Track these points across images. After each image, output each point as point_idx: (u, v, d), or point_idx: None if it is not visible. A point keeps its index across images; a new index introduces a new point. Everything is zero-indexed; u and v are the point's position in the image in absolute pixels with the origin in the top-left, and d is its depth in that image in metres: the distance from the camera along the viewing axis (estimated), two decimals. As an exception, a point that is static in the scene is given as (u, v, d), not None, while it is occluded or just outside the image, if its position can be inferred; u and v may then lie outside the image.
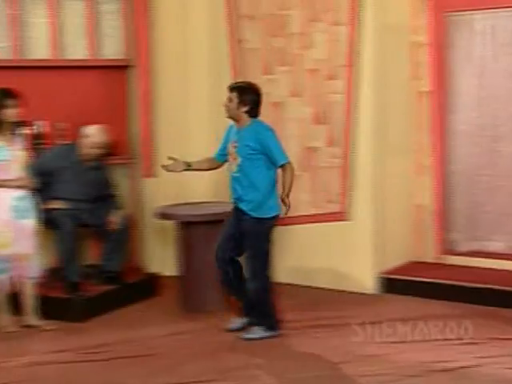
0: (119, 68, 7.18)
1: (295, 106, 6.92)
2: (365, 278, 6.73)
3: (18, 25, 6.78)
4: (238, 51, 7.11)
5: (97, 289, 6.51)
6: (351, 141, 6.69)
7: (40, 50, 6.91)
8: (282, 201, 5.58)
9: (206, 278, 6.32)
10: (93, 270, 6.68)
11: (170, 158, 5.84)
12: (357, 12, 6.55)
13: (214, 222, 6.29)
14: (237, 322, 5.87)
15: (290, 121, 6.95)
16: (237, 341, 5.66)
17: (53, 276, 6.47)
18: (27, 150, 6.06)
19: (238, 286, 5.78)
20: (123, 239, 6.59)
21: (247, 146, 5.57)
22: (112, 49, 7.13)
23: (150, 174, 7.00)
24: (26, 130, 6.37)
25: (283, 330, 5.75)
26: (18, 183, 5.87)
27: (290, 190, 5.60)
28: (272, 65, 7.00)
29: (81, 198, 6.43)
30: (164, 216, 6.51)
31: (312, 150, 6.92)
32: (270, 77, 6.95)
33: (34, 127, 6.79)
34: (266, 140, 5.57)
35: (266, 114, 6.96)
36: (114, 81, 7.22)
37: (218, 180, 7.18)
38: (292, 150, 6.85)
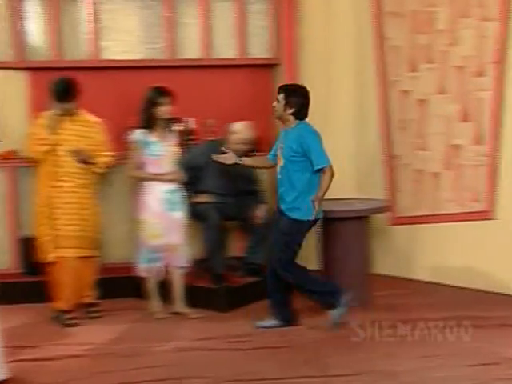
0: (266, 66, 7.20)
1: (440, 104, 6.70)
2: (509, 278, 6.42)
3: (172, 26, 6.91)
4: (382, 48, 6.96)
5: (240, 280, 6.54)
6: (498, 139, 6.40)
7: (191, 50, 7.00)
8: (312, 202, 5.48)
9: (347, 273, 6.23)
10: (237, 262, 6.70)
11: (222, 152, 5.87)
12: (507, 7, 6.25)
13: (357, 218, 6.23)
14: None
15: (434, 118, 6.74)
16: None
17: (199, 266, 6.54)
18: (178, 145, 6.15)
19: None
20: (267, 233, 6.57)
21: (290, 148, 5.52)
22: (259, 48, 7.16)
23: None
24: (178, 127, 6.47)
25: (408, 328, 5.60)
26: (169, 177, 5.97)
27: (323, 194, 5.53)
28: (417, 62, 6.82)
29: (227, 193, 6.48)
30: (305, 211, 6.46)
31: (456, 147, 6.67)
32: (414, 74, 6.79)
33: (185, 124, 6.88)
34: (307, 143, 5.49)
35: (409, 111, 6.85)
36: (261, 79, 7.26)
37: (363, 177, 7.09)
38: (436, 147, 6.69)
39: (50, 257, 5.96)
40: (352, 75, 7.20)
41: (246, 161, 5.93)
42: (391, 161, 7.04)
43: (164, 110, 5.92)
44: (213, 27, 7.03)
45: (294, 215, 5.58)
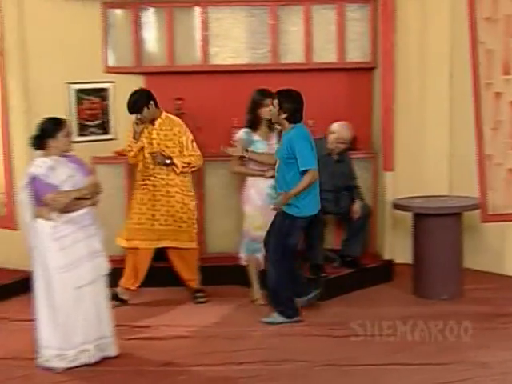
0: (364, 70, 7.23)
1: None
2: None
3: (275, 33, 7.02)
4: (476, 52, 6.87)
5: (337, 271, 6.60)
6: None
7: (294, 54, 7.09)
8: (280, 194, 5.61)
9: (438, 267, 6.24)
10: (334, 253, 6.76)
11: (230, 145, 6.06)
12: None
13: (447, 214, 6.22)
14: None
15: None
16: (468, 328, 5.48)
17: (300, 257, 6.62)
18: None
19: None
20: (363, 227, 6.63)
21: (283, 150, 5.60)
22: (357, 52, 7.17)
23: (389, 167, 6.96)
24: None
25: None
26: (271, 173, 6.07)
27: (295, 193, 5.55)
28: (510, 65, 6.69)
29: (327, 188, 6.50)
30: (400, 207, 6.48)
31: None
32: (507, 77, 6.67)
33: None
34: (294, 146, 5.52)
35: (502, 113, 6.74)
36: (359, 82, 7.31)
37: (456, 176, 7.03)
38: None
39: (128, 244, 6.23)
40: (446, 78, 7.13)
41: (252, 155, 6.02)
42: (484, 160, 6.94)
43: (267, 111, 6.04)
44: (314, 33, 7.09)
45: (288, 211, 5.63)
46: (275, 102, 5.66)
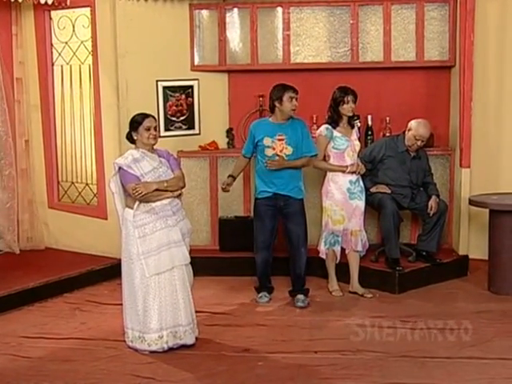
0: (442, 68, 7.09)
1: None
2: None
3: (355, 32, 6.95)
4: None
5: (412, 265, 6.50)
6: None
7: (373, 53, 7.01)
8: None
9: (513, 263, 6.06)
10: (410, 248, 6.67)
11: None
12: None
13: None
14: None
15: None
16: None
17: (376, 251, 6.58)
18: (360, 140, 6.21)
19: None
20: (439, 223, 6.50)
21: None
22: (436, 51, 7.03)
23: (466, 164, 6.81)
24: (360, 123, 6.51)
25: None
26: (352, 169, 6.02)
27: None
28: None
29: (403, 184, 6.46)
30: (476, 204, 6.34)
31: None
32: None
33: (367, 120, 6.96)
34: None
35: None
36: (438, 80, 7.16)
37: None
38: None
39: None
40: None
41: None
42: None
43: (348, 108, 5.99)
44: (393, 32, 6.98)
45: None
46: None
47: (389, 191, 6.40)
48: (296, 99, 5.82)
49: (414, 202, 6.51)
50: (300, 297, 5.97)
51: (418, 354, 4.89)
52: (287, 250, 6.13)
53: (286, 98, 5.78)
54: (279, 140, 5.83)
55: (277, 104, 5.83)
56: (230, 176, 6.11)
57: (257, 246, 6.08)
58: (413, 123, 6.44)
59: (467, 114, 6.80)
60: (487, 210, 6.30)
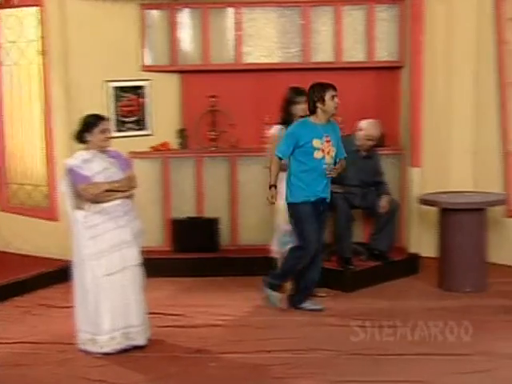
0: (393, 69, 7.17)
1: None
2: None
3: (306, 33, 6.99)
4: (502, 52, 6.78)
5: (365, 264, 6.57)
6: None
7: (324, 53, 7.06)
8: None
9: (463, 261, 6.18)
10: (362, 247, 6.73)
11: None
12: None
13: (475, 210, 6.16)
14: None
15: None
16: (492, 320, 5.45)
17: (327, 250, 6.61)
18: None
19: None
20: (390, 222, 6.57)
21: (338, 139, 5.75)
22: (386, 52, 7.11)
23: (416, 163, 6.91)
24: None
25: None
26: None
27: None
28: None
29: (355, 184, 6.51)
30: (427, 202, 6.42)
31: None
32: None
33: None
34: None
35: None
36: (388, 80, 7.25)
37: (480, 172, 6.95)
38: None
39: None
40: (471, 77, 7.03)
41: None
42: (508, 156, 6.86)
43: (300, 108, 5.99)
44: (343, 33, 7.05)
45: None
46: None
47: (341, 191, 6.44)
48: (337, 96, 5.60)
49: (366, 202, 6.57)
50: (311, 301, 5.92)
51: (370, 351, 4.92)
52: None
53: (328, 97, 5.53)
54: (327, 142, 5.61)
55: (319, 105, 5.55)
56: (272, 186, 5.65)
57: (309, 248, 5.71)
58: (363, 123, 6.50)
59: (417, 113, 6.90)
60: (438, 209, 6.39)
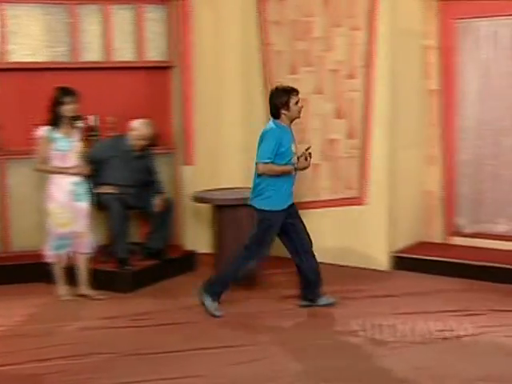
0: (163, 69, 7.23)
1: (318, 103, 6.93)
2: (379, 256, 6.72)
3: (75, 31, 6.85)
4: (266, 54, 7.13)
5: (142, 264, 6.59)
6: (368, 133, 6.67)
7: (94, 53, 6.96)
8: None
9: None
10: (139, 247, 6.75)
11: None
12: (373, 18, 6.53)
13: (242, 205, 6.34)
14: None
15: (313, 115, 6.95)
16: (265, 311, 5.71)
17: (104, 252, 6.56)
18: (83, 141, 6.14)
19: None
20: (165, 220, 6.65)
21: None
22: (156, 52, 7.16)
23: (189, 162, 7.04)
24: (82, 124, 6.42)
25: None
26: (75, 170, 5.96)
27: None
28: (297, 65, 7.02)
29: (128, 184, 6.50)
30: (200, 200, 6.58)
31: (332, 141, 6.92)
32: (295, 76, 6.97)
33: (89, 121, 6.87)
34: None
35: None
36: (160, 80, 7.29)
37: (247, 168, 7.24)
38: (315, 141, 6.89)
39: None
40: (240, 77, 7.32)
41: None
42: (276, 153, 7.21)
43: (69, 109, 5.89)
44: (113, 32, 6.99)
45: None
46: None
47: (115, 191, 6.42)
48: (299, 100, 5.47)
49: (141, 201, 6.59)
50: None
51: (147, 350, 4.95)
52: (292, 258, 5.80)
53: (292, 102, 5.41)
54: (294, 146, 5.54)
55: (283, 111, 5.41)
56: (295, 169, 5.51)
57: (258, 257, 5.70)
58: (135, 123, 6.52)
59: (189, 113, 7.04)
60: (211, 206, 6.55)
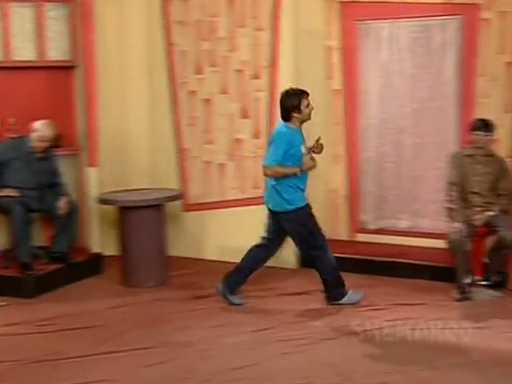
0: (65, 69, 7.08)
1: (223, 102, 6.95)
2: (287, 254, 6.77)
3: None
4: (171, 54, 7.10)
5: (46, 268, 6.44)
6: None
7: (-9, 52, 6.76)
8: None
9: (143, 257, 6.37)
10: (43, 250, 6.60)
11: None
12: (277, 19, 6.60)
13: (153, 206, 6.38)
14: None
15: (218, 115, 6.99)
16: (179, 311, 5.68)
17: (6, 256, 6.38)
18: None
19: None
20: (70, 223, 6.53)
21: None
22: (57, 51, 7.00)
23: (94, 163, 6.94)
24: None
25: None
26: None
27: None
28: (202, 65, 7.02)
29: (30, 186, 6.36)
30: (105, 201, 6.50)
31: (238, 141, 6.96)
32: (200, 76, 6.99)
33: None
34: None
35: (197, 109, 7.06)
36: (62, 80, 7.12)
37: (158, 170, 7.21)
38: (220, 141, 6.92)
39: None
40: (145, 77, 7.27)
41: None
42: (183, 154, 7.21)
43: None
44: (13, 31, 6.79)
45: None
46: None
47: (16, 194, 6.25)
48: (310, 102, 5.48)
49: (44, 204, 6.45)
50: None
51: (53, 356, 4.85)
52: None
53: (303, 105, 5.41)
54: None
55: (295, 114, 5.42)
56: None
57: (324, 247, 5.68)
58: (37, 124, 6.37)
59: (92, 113, 6.93)
60: (117, 207, 6.48)
